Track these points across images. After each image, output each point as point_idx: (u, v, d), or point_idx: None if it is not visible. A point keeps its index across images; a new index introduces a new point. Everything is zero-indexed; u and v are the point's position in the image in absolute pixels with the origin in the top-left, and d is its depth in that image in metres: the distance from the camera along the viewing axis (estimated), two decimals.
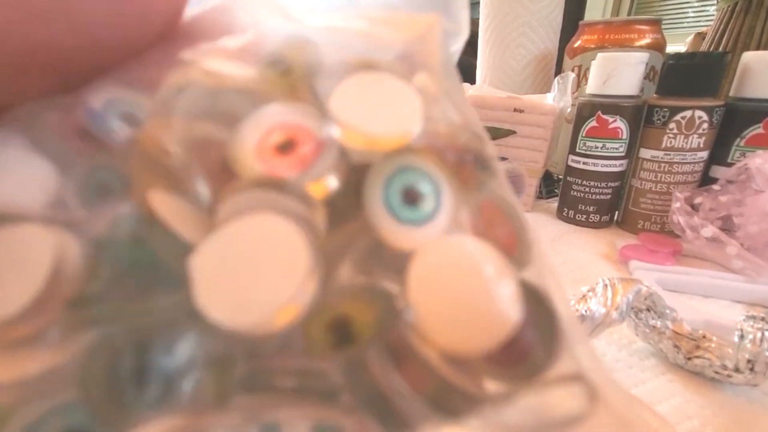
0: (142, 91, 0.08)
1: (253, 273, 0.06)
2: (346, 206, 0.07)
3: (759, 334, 0.18)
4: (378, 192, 0.07)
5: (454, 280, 0.07)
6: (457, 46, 0.10)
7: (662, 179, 0.34)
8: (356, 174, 0.07)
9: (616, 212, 0.39)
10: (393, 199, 0.07)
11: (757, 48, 0.52)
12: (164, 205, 0.07)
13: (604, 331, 0.19)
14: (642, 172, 0.35)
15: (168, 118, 0.08)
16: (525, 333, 0.07)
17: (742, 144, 0.32)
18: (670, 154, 0.33)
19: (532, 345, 0.07)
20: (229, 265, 0.06)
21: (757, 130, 0.31)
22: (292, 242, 0.07)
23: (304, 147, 0.07)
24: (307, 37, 0.09)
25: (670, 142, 0.33)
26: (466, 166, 0.08)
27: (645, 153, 0.34)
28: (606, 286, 0.20)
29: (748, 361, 0.18)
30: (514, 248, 0.08)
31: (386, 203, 0.07)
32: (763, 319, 0.19)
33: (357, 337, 0.07)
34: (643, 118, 0.34)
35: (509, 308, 0.07)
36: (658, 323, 0.21)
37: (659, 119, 0.33)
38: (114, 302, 0.07)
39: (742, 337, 0.19)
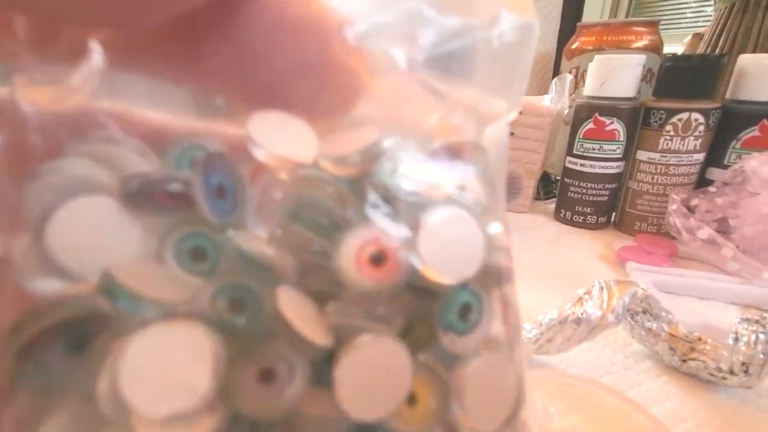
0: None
1: (381, 383, 0.09)
2: (420, 326, 0.10)
3: (753, 337, 0.18)
4: (444, 313, 0.09)
5: (491, 384, 0.10)
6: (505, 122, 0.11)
7: (659, 181, 0.34)
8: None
9: (613, 214, 0.39)
10: (453, 317, 0.09)
11: (755, 48, 0.52)
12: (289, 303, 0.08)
13: (600, 334, 0.19)
14: (639, 173, 0.35)
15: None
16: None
17: (738, 146, 0.32)
18: (666, 156, 0.33)
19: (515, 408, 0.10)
20: (364, 376, 0.09)
21: (753, 132, 0.31)
22: (403, 359, 0.09)
23: (393, 261, 0.09)
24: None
25: (667, 144, 0.33)
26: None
27: (642, 155, 0.35)
28: (602, 288, 0.20)
29: (743, 363, 0.18)
30: (512, 335, 0.11)
31: (447, 322, 0.09)
32: (757, 321, 0.19)
33: (420, 406, 0.09)
34: (640, 120, 0.34)
35: (513, 393, 0.10)
36: (654, 326, 0.21)
37: (656, 121, 0.33)
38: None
39: (736, 339, 0.19)
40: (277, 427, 0.09)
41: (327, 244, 0.09)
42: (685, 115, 0.32)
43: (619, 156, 0.35)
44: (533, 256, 0.33)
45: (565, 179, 0.39)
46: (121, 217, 0.08)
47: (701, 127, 0.32)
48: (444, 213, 0.10)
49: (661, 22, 0.44)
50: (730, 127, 0.32)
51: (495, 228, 0.10)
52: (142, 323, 0.08)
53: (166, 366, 0.08)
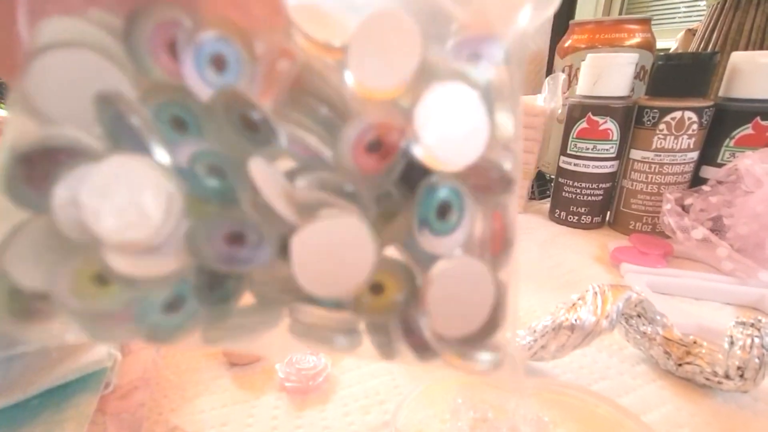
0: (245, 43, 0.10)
1: (339, 261, 0.10)
2: (399, 205, 0.10)
3: (749, 341, 0.18)
4: (420, 208, 0.10)
5: (460, 292, 0.10)
6: (549, 12, 0.11)
7: (653, 180, 0.34)
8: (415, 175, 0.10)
9: (608, 213, 0.39)
10: (430, 213, 0.10)
11: (747, 44, 0.52)
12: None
13: (594, 340, 0.19)
14: (633, 173, 0.35)
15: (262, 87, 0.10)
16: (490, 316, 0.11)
17: (731, 144, 0.32)
18: (660, 155, 0.33)
19: (490, 326, 0.11)
20: (322, 252, 0.09)
21: (747, 130, 0.31)
22: (365, 242, 0.10)
23: (389, 148, 0.10)
24: None
25: (661, 143, 0.33)
26: (492, 182, 0.10)
27: (635, 154, 0.34)
28: (596, 293, 0.20)
29: (738, 367, 0.18)
30: (500, 251, 0.11)
31: (423, 217, 0.10)
32: (752, 325, 0.19)
33: (384, 297, 0.10)
34: (633, 119, 0.34)
35: (487, 308, 0.11)
36: (649, 329, 0.21)
37: (649, 120, 0.33)
38: None
39: (732, 343, 0.19)
40: (235, 281, 0.10)
41: (326, 132, 0.10)
42: (678, 114, 0.31)
43: (613, 155, 0.35)
44: (528, 258, 0.33)
45: (559, 179, 0.38)
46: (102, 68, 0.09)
47: (695, 126, 0.31)
48: (448, 89, 0.09)
49: (654, 18, 0.44)
50: (723, 125, 0.32)
51: (504, 119, 0.10)
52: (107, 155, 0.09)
53: (126, 195, 0.09)
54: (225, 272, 0.10)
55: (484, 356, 0.11)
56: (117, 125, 0.09)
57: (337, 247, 0.09)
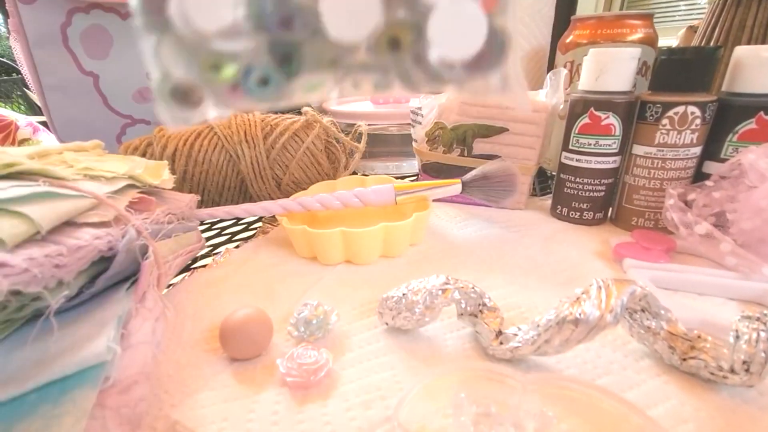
0: None
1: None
2: None
3: (754, 335, 0.18)
4: None
5: (455, 25, 0.16)
6: None
7: (655, 176, 0.34)
8: None
9: (610, 209, 0.39)
10: None
11: (749, 41, 0.52)
12: None
13: (598, 335, 0.19)
14: (635, 168, 0.35)
15: None
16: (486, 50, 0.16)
17: (734, 139, 0.32)
18: (663, 150, 0.33)
19: (489, 56, 0.16)
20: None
21: (750, 125, 0.31)
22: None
23: None
24: None
25: (663, 138, 0.32)
26: None
27: (638, 149, 0.34)
28: (600, 287, 0.19)
29: (744, 362, 0.18)
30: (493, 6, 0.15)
31: None
32: (758, 319, 0.19)
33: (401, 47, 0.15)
34: (635, 114, 0.34)
35: (481, 37, 0.16)
36: (653, 324, 0.21)
37: (652, 115, 0.33)
38: None
39: (737, 337, 0.19)
40: (296, 58, 0.16)
41: None
42: (681, 109, 0.31)
43: (615, 151, 0.35)
44: (530, 254, 0.33)
45: (561, 175, 0.38)
46: None
47: (698, 121, 0.31)
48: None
49: (655, 15, 0.44)
50: (726, 120, 0.32)
51: None
52: None
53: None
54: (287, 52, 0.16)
55: (492, 79, 0.16)
56: None
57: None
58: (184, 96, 0.16)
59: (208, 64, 0.16)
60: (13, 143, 0.65)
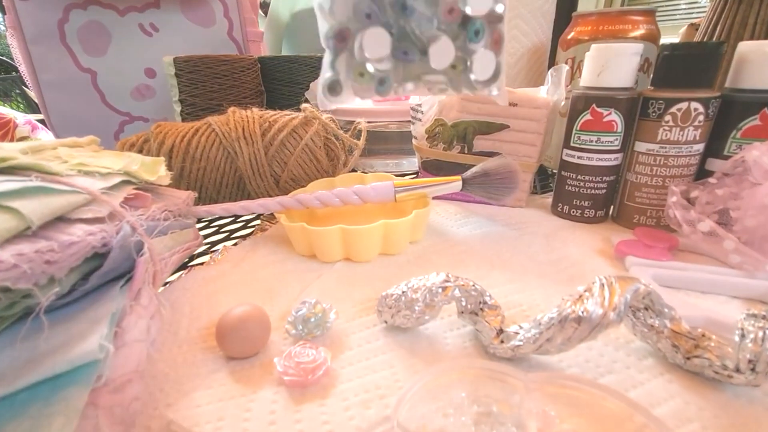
0: None
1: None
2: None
3: (760, 333, 0.18)
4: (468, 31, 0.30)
5: (484, 62, 0.31)
6: None
7: (658, 173, 0.33)
8: None
9: (612, 207, 0.38)
10: (471, 33, 0.30)
11: (751, 38, 0.52)
12: None
13: (601, 333, 0.18)
14: (637, 165, 0.34)
15: None
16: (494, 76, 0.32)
17: (738, 136, 0.31)
18: (665, 147, 0.33)
19: (495, 78, 0.33)
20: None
21: (754, 121, 0.30)
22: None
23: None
24: None
25: (666, 135, 0.32)
26: (489, 16, 0.30)
27: (640, 146, 0.34)
28: (603, 285, 0.19)
29: (749, 361, 0.18)
30: (498, 47, 0.31)
31: (470, 35, 0.31)
32: (764, 317, 0.18)
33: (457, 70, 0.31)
34: (638, 110, 0.34)
35: (493, 65, 0.32)
36: (657, 322, 0.20)
37: (654, 112, 0.32)
38: None
39: (743, 336, 0.18)
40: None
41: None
42: (684, 105, 0.31)
43: (617, 147, 0.35)
44: (531, 252, 0.33)
45: (562, 172, 0.38)
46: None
47: (701, 117, 0.31)
48: None
49: (656, 13, 0.43)
50: (729, 116, 0.31)
51: None
52: None
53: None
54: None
55: (494, 90, 0.31)
56: None
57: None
58: (331, 89, 0.30)
59: (357, 72, 0.30)
60: (11, 141, 0.65)
